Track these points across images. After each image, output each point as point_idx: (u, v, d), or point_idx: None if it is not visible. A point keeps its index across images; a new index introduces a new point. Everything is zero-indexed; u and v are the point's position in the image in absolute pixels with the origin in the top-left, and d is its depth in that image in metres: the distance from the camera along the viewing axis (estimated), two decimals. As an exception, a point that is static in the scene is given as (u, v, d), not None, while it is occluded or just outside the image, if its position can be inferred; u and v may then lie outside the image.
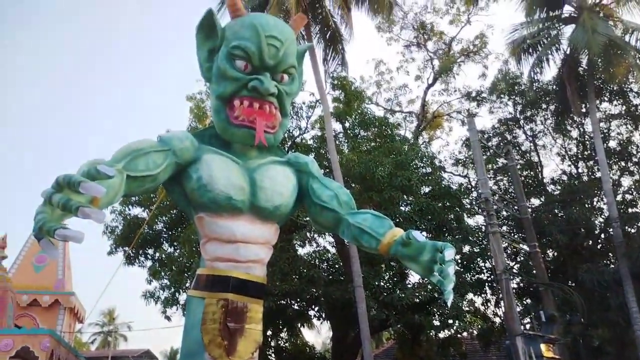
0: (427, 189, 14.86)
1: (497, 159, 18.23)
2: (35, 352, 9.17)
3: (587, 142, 18.15)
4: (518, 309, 14.49)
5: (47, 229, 1.97)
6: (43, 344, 9.30)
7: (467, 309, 14.53)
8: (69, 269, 15.54)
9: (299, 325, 17.13)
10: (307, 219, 12.49)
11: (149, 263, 16.15)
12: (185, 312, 3.20)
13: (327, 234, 14.85)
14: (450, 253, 2.67)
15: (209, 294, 3.00)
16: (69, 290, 14.89)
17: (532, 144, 19.24)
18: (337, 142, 15.40)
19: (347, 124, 16.80)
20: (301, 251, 14.79)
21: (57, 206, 2.03)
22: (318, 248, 15.46)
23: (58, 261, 14.98)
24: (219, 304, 2.96)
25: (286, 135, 15.33)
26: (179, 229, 15.09)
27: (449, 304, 2.81)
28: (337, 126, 16.71)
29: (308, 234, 14.04)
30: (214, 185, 3.04)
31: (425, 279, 13.48)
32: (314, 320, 16.91)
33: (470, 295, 14.78)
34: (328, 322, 16.40)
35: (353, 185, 13.97)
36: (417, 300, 12.73)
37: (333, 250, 15.65)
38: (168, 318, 15.19)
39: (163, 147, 2.99)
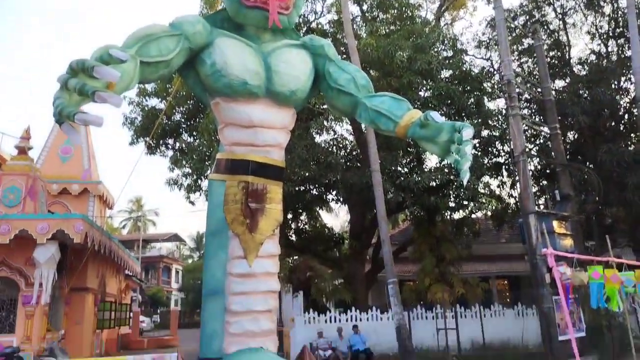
0: (447, 73, 14.45)
1: (523, 40, 17.38)
2: (70, 234, 9.65)
3: (620, 19, 17.08)
4: (534, 190, 14.65)
5: (67, 114, 1.97)
6: (77, 227, 9.77)
7: (482, 191, 14.76)
8: (94, 159, 15.99)
9: (318, 208, 17.70)
10: (325, 106, 12.38)
11: (170, 153, 16.53)
12: (208, 195, 3.32)
13: (344, 121, 14.79)
14: (468, 132, 2.65)
15: (229, 177, 3.10)
16: (95, 179, 15.45)
17: (561, 22, 18.19)
18: (354, 26, 14.78)
19: (364, 7, 16.00)
20: (319, 139, 14.88)
21: (73, 91, 2.02)
22: (335, 136, 15.53)
23: (83, 152, 15.37)
24: (239, 185, 3.07)
25: (301, 19, 14.71)
26: (197, 119, 15.16)
27: (464, 183, 2.86)
28: (354, 9, 15.95)
29: (325, 122, 14.00)
30: (229, 70, 3.01)
31: (442, 163, 13.63)
32: (332, 204, 17.45)
33: (486, 178, 14.96)
34: (346, 205, 16.92)
35: (371, 71, 13.61)
36: (434, 183, 12.95)
37: (351, 137, 15.70)
38: (192, 203, 15.90)
39: (175, 31, 2.92)
